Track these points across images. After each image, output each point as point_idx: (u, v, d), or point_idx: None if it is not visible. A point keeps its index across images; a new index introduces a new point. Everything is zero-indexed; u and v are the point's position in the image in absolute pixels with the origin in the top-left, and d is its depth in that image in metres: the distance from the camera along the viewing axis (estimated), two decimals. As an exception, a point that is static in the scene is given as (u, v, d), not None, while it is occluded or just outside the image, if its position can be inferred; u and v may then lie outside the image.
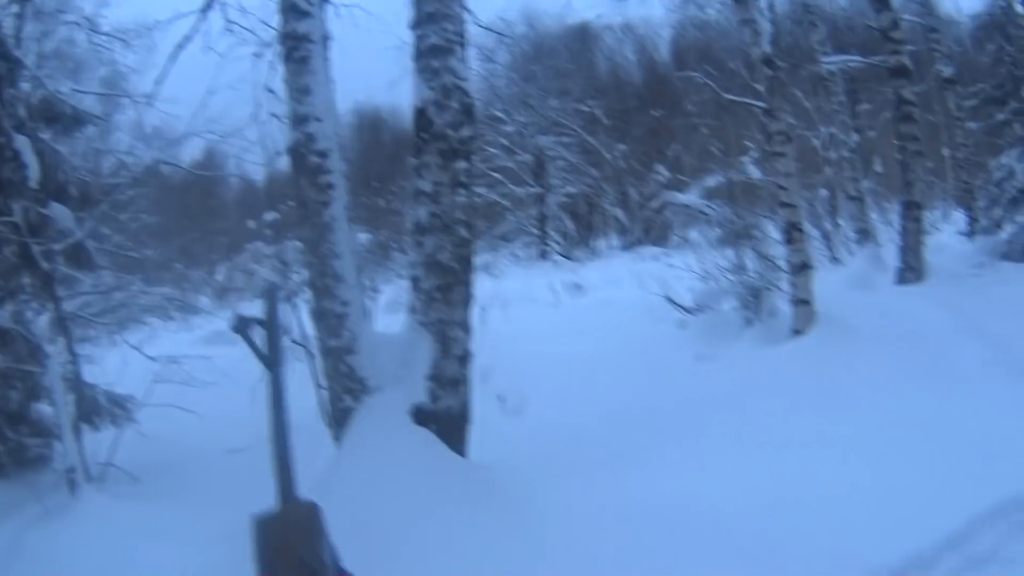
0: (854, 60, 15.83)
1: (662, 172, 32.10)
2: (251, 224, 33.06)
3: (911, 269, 14.34)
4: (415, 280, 7.72)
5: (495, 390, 10.89)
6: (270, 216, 30.28)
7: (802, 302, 10.95)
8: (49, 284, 9.41)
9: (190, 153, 42.99)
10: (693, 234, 26.66)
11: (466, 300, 7.70)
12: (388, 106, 53.03)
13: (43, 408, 10.07)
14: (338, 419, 7.63)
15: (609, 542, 6.22)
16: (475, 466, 7.48)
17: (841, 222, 19.46)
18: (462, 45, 7.84)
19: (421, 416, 7.34)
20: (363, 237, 30.28)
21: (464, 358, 7.66)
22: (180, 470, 9.59)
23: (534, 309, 18.83)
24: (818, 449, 7.60)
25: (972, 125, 20.02)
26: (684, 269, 14.29)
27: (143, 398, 10.38)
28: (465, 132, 7.68)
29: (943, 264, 15.30)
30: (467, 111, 7.70)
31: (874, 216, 19.37)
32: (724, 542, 6.04)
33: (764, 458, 7.56)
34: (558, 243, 34.40)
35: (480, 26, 11.35)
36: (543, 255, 33.43)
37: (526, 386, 11.11)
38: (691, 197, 29.04)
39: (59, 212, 9.95)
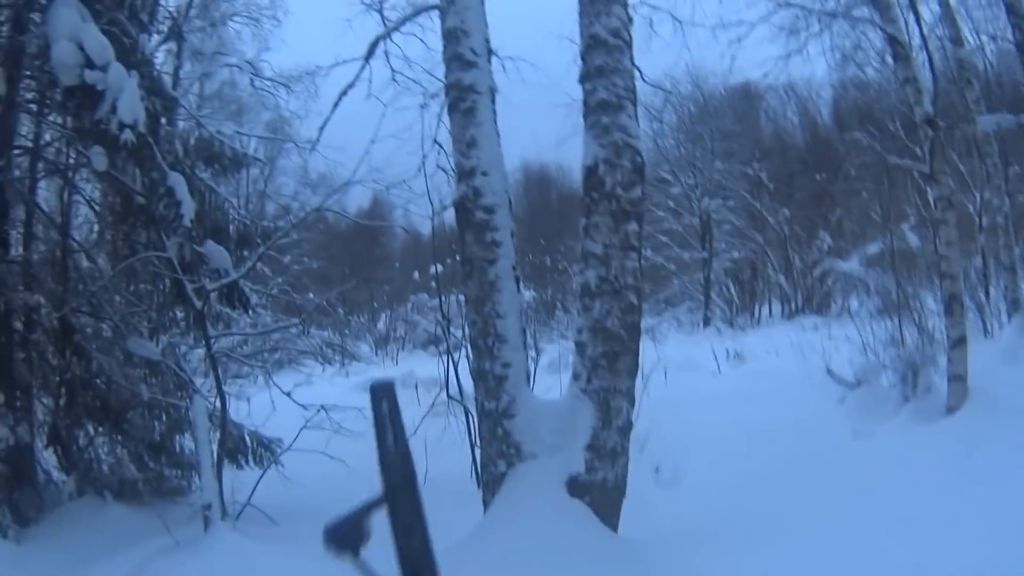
0: (1008, 119, 15.27)
1: (825, 238, 31.57)
2: (416, 276, 33.63)
3: (1064, 339, 13.68)
4: (580, 346, 7.47)
5: (651, 460, 11.00)
6: (435, 269, 30.65)
7: (957, 378, 10.60)
8: (201, 321, 9.71)
9: (357, 201, 44.23)
10: (854, 303, 26.24)
11: (632, 369, 7.46)
12: (556, 164, 53.44)
13: (186, 441, 10.55)
14: (489, 483, 7.50)
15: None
16: (626, 541, 7.25)
17: (992, 291, 18.79)
18: (632, 101, 7.77)
19: (575, 487, 7.10)
20: (529, 296, 30.60)
21: (625, 429, 7.43)
22: (320, 517, 9.45)
23: (695, 376, 18.78)
24: (971, 532, 7.24)
25: None
26: (844, 340, 13.89)
27: (290, 442, 10.72)
28: (636, 193, 7.52)
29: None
30: (638, 170, 7.55)
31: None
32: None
33: (913, 537, 7.29)
34: (721, 309, 34.03)
35: (647, 83, 11.19)
36: (706, 321, 33.04)
37: (682, 456, 11.08)
38: (852, 265, 28.59)
39: (214, 251, 10.21)
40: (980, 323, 17.21)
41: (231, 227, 11.74)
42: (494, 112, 8.16)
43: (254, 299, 12.16)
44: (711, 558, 7.01)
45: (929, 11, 15.46)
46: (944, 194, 10.93)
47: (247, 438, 11.03)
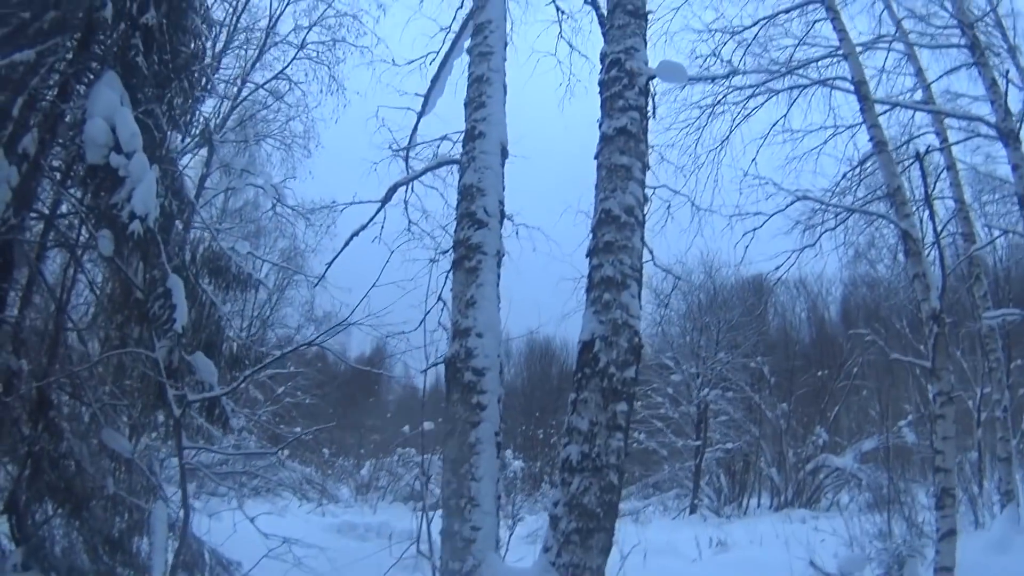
0: (1013, 313, 15.20)
1: (821, 434, 31.32)
2: (405, 430, 33.31)
3: (1058, 530, 13.43)
4: (555, 519, 7.26)
5: None
6: (427, 426, 30.36)
7: (945, 570, 10.42)
8: (177, 430, 9.37)
9: (360, 346, 44.38)
10: (844, 498, 26.00)
11: (605, 547, 7.20)
12: (560, 339, 53.71)
13: (143, 545, 10.05)
14: None
15: None
16: None
17: (986, 484, 18.51)
18: (638, 281, 7.71)
19: None
20: (517, 465, 30.35)
21: None
22: None
23: (674, 562, 18.44)
24: None
25: None
26: (831, 533, 13.65)
27: (249, 569, 10.50)
28: (629, 373, 7.38)
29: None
30: (635, 351, 7.46)
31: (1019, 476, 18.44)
32: None
33: None
34: (709, 498, 33.72)
35: (657, 266, 11.19)
36: (693, 508, 32.69)
37: None
38: (846, 460, 28.50)
39: (202, 363, 9.90)
40: (972, 515, 16.97)
41: (225, 345, 11.57)
42: (498, 275, 8.18)
43: (238, 422, 11.97)
44: None
45: (944, 207, 15.61)
46: (944, 389, 10.88)
47: (206, 554, 10.71)
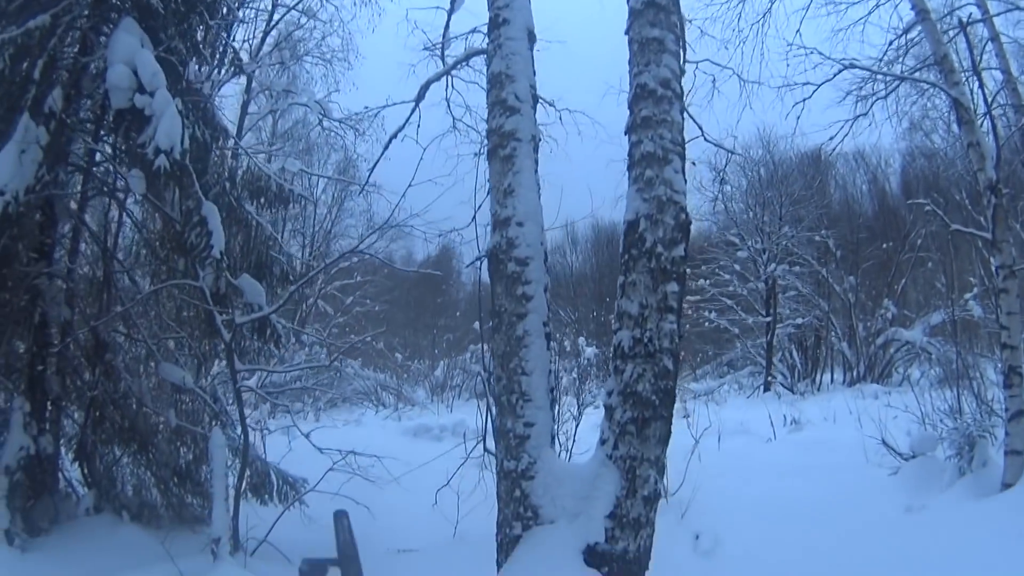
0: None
1: (889, 307, 30.76)
2: (476, 326, 33.22)
3: None
4: (609, 409, 6.85)
5: (692, 527, 10.55)
6: (479, 319, 30.15)
7: (1015, 453, 10.14)
8: (229, 354, 9.49)
9: (425, 248, 44.36)
10: (916, 373, 25.56)
11: (663, 437, 6.79)
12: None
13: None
14: (504, 545, 6.98)
15: None
16: None
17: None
18: (680, 155, 7.20)
19: (593, 556, 6.48)
20: (590, 352, 30.17)
21: (651, 499, 6.73)
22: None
23: (749, 442, 18.43)
24: None
25: None
26: (903, 410, 13.41)
27: (315, 483, 10.49)
28: (678, 251, 6.89)
29: None
30: (682, 228, 6.97)
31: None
32: None
33: None
34: (782, 375, 33.41)
35: (708, 141, 10.81)
36: (767, 386, 32.42)
37: (726, 526, 10.59)
38: (915, 334, 27.91)
39: (249, 285, 10.15)
40: None
41: (276, 265, 11.53)
42: (535, 161, 7.81)
43: (310, 337, 11.89)
44: None
45: (992, 78, 15.05)
46: (1006, 262, 10.50)
47: (272, 475, 10.82)
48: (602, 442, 6.87)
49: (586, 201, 12.73)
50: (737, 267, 35.78)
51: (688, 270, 7.04)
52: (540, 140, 8.07)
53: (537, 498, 6.79)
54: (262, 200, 11.83)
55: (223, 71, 12.25)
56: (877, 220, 39.65)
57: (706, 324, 36.39)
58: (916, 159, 33.51)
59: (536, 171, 7.74)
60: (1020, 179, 16.63)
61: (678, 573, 8.50)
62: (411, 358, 37.61)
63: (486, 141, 8.15)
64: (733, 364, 36.71)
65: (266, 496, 10.72)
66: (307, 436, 11.24)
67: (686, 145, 7.39)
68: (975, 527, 9.30)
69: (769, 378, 32.92)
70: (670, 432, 6.83)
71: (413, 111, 10.41)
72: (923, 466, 12.17)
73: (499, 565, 6.96)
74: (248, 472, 10.09)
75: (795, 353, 34.48)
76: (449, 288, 53.72)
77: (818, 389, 31.04)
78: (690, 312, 36.06)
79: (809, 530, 10.23)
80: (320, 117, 20.94)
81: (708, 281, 36.37)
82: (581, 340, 33.03)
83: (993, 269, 10.82)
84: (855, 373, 31.42)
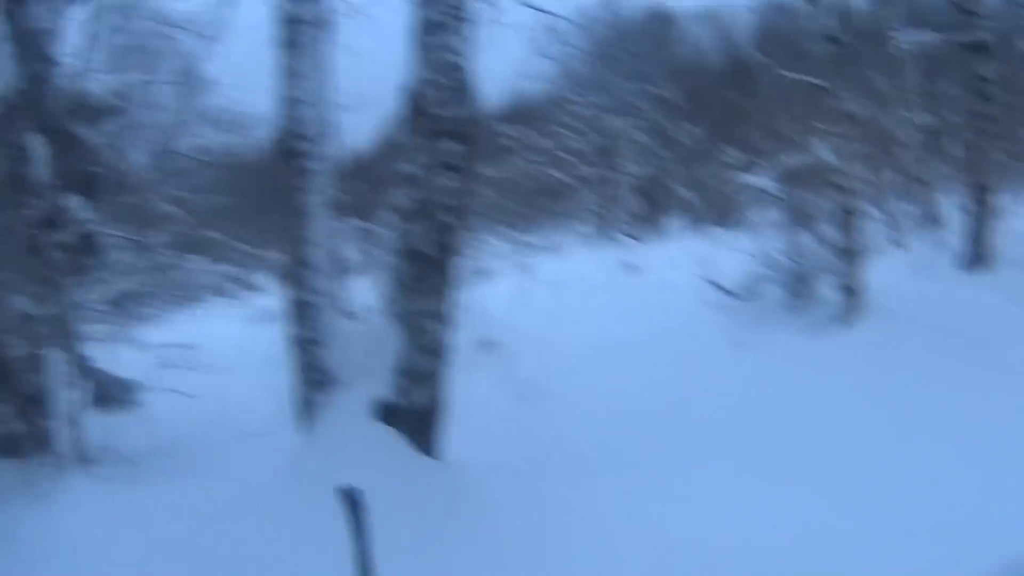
0: (928, 37, 14.42)
1: (732, 154, 30.62)
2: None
3: (978, 257, 12.89)
4: (392, 268, 7.07)
5: (518, 374, 10.24)
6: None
7: (850, 291, 9.83)
8: (56, 273, 9.18)
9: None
10: (762, 218, 25.63)
11: (444, 290, 6.91)
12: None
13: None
14: (305, 413, 7.21)
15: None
16: (440, 466, 6.81)
17: (911, 206, 18.00)
18: (461, 20, 7.02)
19: (386, 412, 6.69)
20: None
21: (436, 351, 6.88)
22: (176, 454, 9.02)
23: (585, 289, 17.91)
24: (846, 446, 6.95)
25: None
26: (741, 251, 12.98)
27: (150, 383, 10.57)
28: (458, 111, 6.85)
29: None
30: (461, 89, 6.90)
31: (944, 200, 17.87)
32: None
33: (776, 475, 6.70)
34: (625, 223, 33.37)
35: (529, 7, 10.69)
36: (609, 235, 32.34)
37: (551, 371, 10.38)
38: (761, 179, 27.82)
39: (76, 202, 10.12)
40: (894, 236, 16.43)
41: (103, 178, 11.57)
42: (324, 44, 7.77)
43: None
44: (550, 488, 6.74)
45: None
46: (840, 108, 10.13)
47: (111, 384, 10.79)
48: (386, 300, 7.19)
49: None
50: (576, 123, 35.22)
51: (467, 128, 6.98)
52: (330, 22, 7.97)
53: (328, 361, 7.07)
54: (90, 117, 11.74)
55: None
56: (724, 72, 39.34)
57: (546, 178, 36.06)
58: (768, 15, 33.23)
59: (322, 55, 7.72)
60: (877, 29, 16.32)
61: (499, 422, 8.54)
62: (264, 245, 36.88)
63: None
64: (574, 215, 36.49)
65: (110, 406, 10.39)
66: (145, 340, 11.43)
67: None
68: (804, 363, 9.13)
69: (611, 227, 32.81)
70: (452, 286, 6.98)
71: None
72: (756, 305, 11.96)
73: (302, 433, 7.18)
74: (90, 385, 9.79)
75: (639, 201, 34.46)
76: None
77: (663, 235, 30.99)
78: (528, 167, 35.95)
79: (637, 372, 10.07)
80: (156, 24, 20.21)
81: (549, 138, 35.77)
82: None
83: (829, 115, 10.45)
84: (701, 218, 31.44)
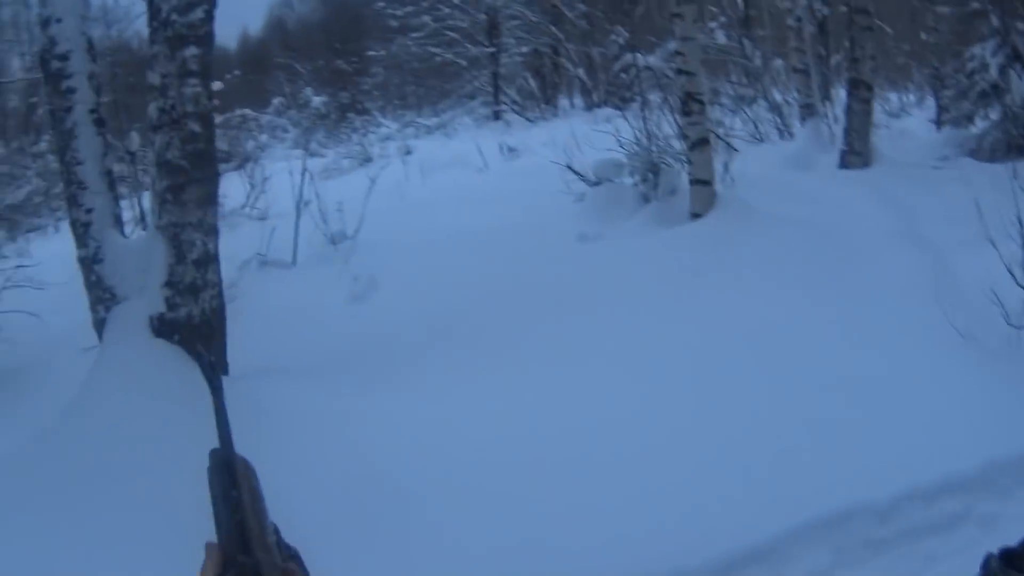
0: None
1: (621, 33, 29.80)
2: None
3: (855, 153, 12.60)
4: (152, 182, 7.14)
5: (358, 270, 9.94)
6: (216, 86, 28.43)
7: (700, 182, 9.27)
8: None
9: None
10: (656, 97, 25.13)
11: (202, 200, 6.76)
12: None
13: None
14: (98, 330, 6.95)
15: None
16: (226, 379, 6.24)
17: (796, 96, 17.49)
18: None
19: (161, 326, 6.54)
20: (317, 100, 28.92)
21: (203, 262, 6.72)
22: (31, 372, 8.89)
23: (459, 174, 17.94)
24: (646, 362, 6.46)
25: (945, 10, 17.98)
26: (613, 134, 12.12)
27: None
28: (195, 15, 6.61)
29: (902, 152, 13.77)
30: None
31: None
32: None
33: (584, 372, 6.42)
34: (516, 103, 32.67)
35: None
36: (497, 115, 31.62)
37: (393, 264, 10.05)
38: (654, 59, 27.23)
39: None
40: (779, 125, 16.49)
41: None
42: None
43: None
44: (319, 393, 6.49)
45: None
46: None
47: None
48: (152, 213, 7.13)
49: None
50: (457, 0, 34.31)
51: (208, 31, 6.77)
52: None
53: (109, 279, 6.81)
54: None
55: None
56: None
57: (435, 58, 35.27)
58: None
59: None
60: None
61: (328, 320, 8.58)
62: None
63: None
64: (470, 94, 35.72)
65: None
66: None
67: None
68: (645, 255, 8.67)
69: (498, 107, 32.26)
70: (211, 195, 6.88)
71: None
72: (610, 193, 11.26)
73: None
74: None
75: (531, 80, 33.78)
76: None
77: (555, 115, 30.32)
78: (415, 49, 35.18)
79: (476, 263, 9.67)
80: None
81: (429, 16, 34.78)
82: (308, 90, 31.84)
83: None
84: (594, 98, 30.81)
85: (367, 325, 8.44)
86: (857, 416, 5.32)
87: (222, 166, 21.17)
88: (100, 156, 7.09)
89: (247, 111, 28.85)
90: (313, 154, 26.91)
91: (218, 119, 27.77)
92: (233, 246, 11.19)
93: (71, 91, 6.97)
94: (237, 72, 36.76)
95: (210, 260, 6.79)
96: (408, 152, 23.25)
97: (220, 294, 6.94)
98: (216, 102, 7.11)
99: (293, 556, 1.31)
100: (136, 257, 6.83)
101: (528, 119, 29.76)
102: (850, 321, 6.82)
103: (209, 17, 6.70)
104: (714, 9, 24.94)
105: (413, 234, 11.37)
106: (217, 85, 25.78)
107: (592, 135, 14.03)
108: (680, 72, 9.54)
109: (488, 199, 13.36)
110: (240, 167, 17.25)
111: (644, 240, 9.29)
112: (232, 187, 15.24)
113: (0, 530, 4.97)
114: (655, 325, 6.95)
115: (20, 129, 28.11)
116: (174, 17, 6.51)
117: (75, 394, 6.21)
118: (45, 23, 7.08)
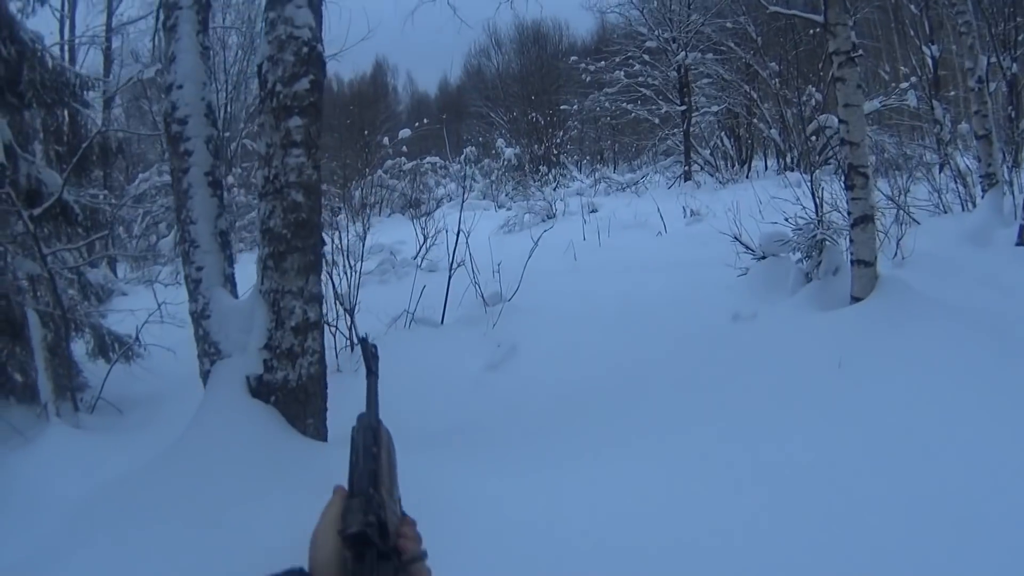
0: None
1: (813, 93, 28.84)
2: (404, 132, 31.61)
3: (1035, 229, 11.43)
4: (259, 247, 6.92)
5: (504, 335, 9.88)
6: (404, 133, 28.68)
7: (861, 263, 8.55)
8: (36, 241, 9.35)
9: (361, 66, 43.79)
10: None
11: (303, 268, 6.70)
12: (550, 21, 53.38)
13: (75, 346, 10.42)
14: (204, 380, 7.01)
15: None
16: (309, 445, 6.42)
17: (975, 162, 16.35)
18: None
19: (258, 386, 6.57)
20: (509, 152, 28.91)
21: (302, 329, 6.67)
22: (161, 404, 9.36)
23: (638, 236, 17.84)
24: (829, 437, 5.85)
25: None
26: (794, 202, 11.37)
27: (135, 337, 10.60)
28: (300, 86, 6.61)
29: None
30: (304, 62, 6.65)
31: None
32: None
33: (704, 467, 5.73)
34: (708, 163, 32.07)
35: None
36: (687, 176, 31.06)
37: (544, 332, 9.85)
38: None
39: (48, 176, 10.16)
40: (961, 195, 15.43)
41: (95, 146, 11.44)
42: (199, 24, 7.52)
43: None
44: (440, 462, 5.99)
45: None
46: (842, 48, 8.67)
47: (105, 335, 10.81)
48: (258, 278, 6.96)
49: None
50: (646, 57, 34.51)
51: (314, 102, 6.69)
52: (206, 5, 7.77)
53: (215, 335, 6.90)
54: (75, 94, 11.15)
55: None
56: (806, 6, 37.45)
57: (631, 115, 35.14)
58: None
59: (198, 33, 7.51)
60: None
61: (461, 387, 8.48)
62: (348, 180, 36.39)
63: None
64: (668, 152, 35.39)
65: (108, 355, 10.72)
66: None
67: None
68: (798, 343, 7.94)
69: (687, 167, 31.94)
70: (313, 264, 6.81)
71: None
72: (773, 269, 10.72)
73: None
74: (89, 337, 10.70)
75: (725, 140, 33.13)
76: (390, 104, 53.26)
77: (747, 176, 29.64)
78: (607, 104, 35.63)
79: (620, 336, 9.43)
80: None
81: (622, 72, 34.92)
82: (500, 142, 31.85)
83: (828, 55, 9.08)
84: (788, 160, 29.98)
85: (500, 395, 8.24)
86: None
87: (409, 212, 21.58)
88: (214, 217, 7.24)
89: (436, 159, 28.98)
90: (500, 206, 26.98)
91: (407, 165, 28.63)
92: (395, 298, 11.39)
93: (188, 153, 7.15)
94: (426, 120, 37.26)
95: (310, 327, 6.76)
96: (594, 210, 23.03)
97: (320, 360, 6.87)
98: (317, 172, 6.87)
99: (413, 523, 1.38)
100: (241, 317, 6.87)
101: (719, 180, 29.21)
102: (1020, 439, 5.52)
103: (315, 88, 6.67)
104: (905, 69, 24.03)
105: (571, 300, 11.12)
106: (405, 133, 26.16)
107: (773, 202, 13.39)
108: (843, 142, 8.82)
109: (657, 267, 13.04)
110: (416, 216, 17.16)
111: (796, 324, 8.57)
112: (410, 235, 15.51)
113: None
114: (790, 421, 6.24)
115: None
116: (279, 88, 6.55)
117: (172, 441, 6.23)
118: (168, 88, 7.29)
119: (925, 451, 5.38)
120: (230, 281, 7.44)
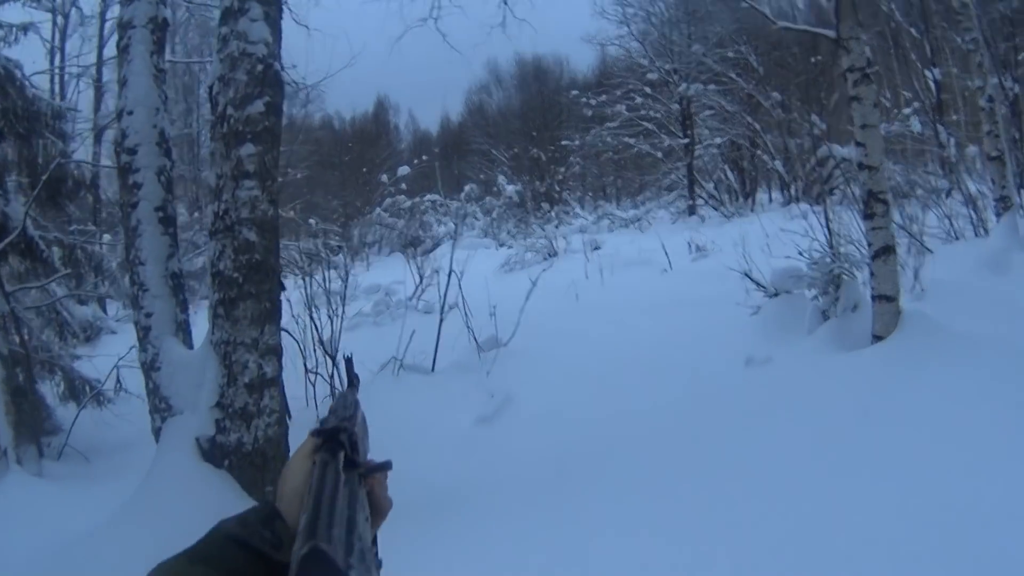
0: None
1: (816, 123, 28.25)
2: (404, 169, 31.21)
3: (1057, 251, 10.65)
4: (210, 292, 6.32)
5: (499, 384, 9.24)
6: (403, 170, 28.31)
7: (883, 298, 7.78)
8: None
9: (362, 104, 44.32)
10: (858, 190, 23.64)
11: (257, 317, 6.02)
12: (551, 56, 53.65)
13: (46, 388, 10.20)
14: (156, 437, 6.50)
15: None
16: None
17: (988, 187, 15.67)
18: (260, 2, 6.23)
19: (210, 448, 5.97)
20: (511, 189, 28.43)
21: (256, 386, 6.01)
22: (127, 452, 8.72)
23: (643, 274, 17.30)
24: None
25: None
26: (802, 234, 10.66)
27: (103, 381, 10.22)
28: (254, 108, 6.02)
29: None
30: (259, 82, 6.06)
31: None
32: None
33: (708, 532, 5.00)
34: (713, 196, 31.56)
35: None
36: (691, 210, 30.54)
37: (541, 379, 9.22)
38: (851, 150, 25.63)
39: (12, 211, 9.92)
40: (974, 221, 14.54)
41: (67, 178, 11.38)
42: (154, 45, 7.06)
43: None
44: (412, 538, 5.13)
45: None
46: (857, 64, 7.93)
47: (75, 379, 10.40)
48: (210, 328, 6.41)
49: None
50: (648, 89, 34.28)
51: (269, 126, 6.11)
52: (165, 21, 7.35)
53: (165, 389, 6.36)
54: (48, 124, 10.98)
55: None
56: (807, 34, 36.98)
57: (631, 149, 34.70)
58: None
59: (152, 55, 7.03)
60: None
61: (449, 442, 7.86)
62: (349, 218, 36.06)
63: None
64: (672, 186, 35.02)
65: (78, 400, 10.28)
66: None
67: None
68: (816, 389, 7.18)
69: (691, 201, 31.67)
70: (269, 312, 6.15)
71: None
72: (787, 306, 9.96)
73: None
74: (60, 383, 10.29)
75: (729, 173, 32.61)
76: (391, 141, 53.39)
77: (752, 209, 29.02)
78: (610, 139, 35.35)
79: (623, 384, 8.72)
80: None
81: (623, 106, 34.68)
82: (501, 179, 31.35)
83: (842, 73, 8.37)
84: (793, 191, 29.42)
85: (490, 455, 7.49)
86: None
87: (409, 250, 21.15)
88: (164, 258, 6.73)
89: (436, 196, 28.49)
90: (501, 244, 26.45)
91: (407, 203, 28.22)
92: (387, 341, 10.77)
93: (137, 186, 6.68)
94: (425, 157, 36.92)
95: (266, 384, 6.08)
96: (596, 247, 22.50)
97: (280, 420, 6.20)
98: (274, 209, 6.24)
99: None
100: (192, 370, 6.24)
101: (724, 214, 28.70)
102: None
103: (271, 111, 6.01)
104: (907, 94, 23.62)
105: (572, 343, 10.56)
106: (404, 170, 25.74)
107: (782, 235, 12.67)
108: (861, 167, 8.10)
109: (663, 306, 12.33)
110: (413, 256, 16.69)
111: (815, 367, 7.84)
112: (407, 275, 15.25)
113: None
114: (815, 478, 5.45)
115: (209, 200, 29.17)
116: (230, 111, 5.96)
117: (120, 506, 5.79)
118: (119, 114, 6.86)
119: (969, 508, 4.61)
120: (183, 329, 6.85)
